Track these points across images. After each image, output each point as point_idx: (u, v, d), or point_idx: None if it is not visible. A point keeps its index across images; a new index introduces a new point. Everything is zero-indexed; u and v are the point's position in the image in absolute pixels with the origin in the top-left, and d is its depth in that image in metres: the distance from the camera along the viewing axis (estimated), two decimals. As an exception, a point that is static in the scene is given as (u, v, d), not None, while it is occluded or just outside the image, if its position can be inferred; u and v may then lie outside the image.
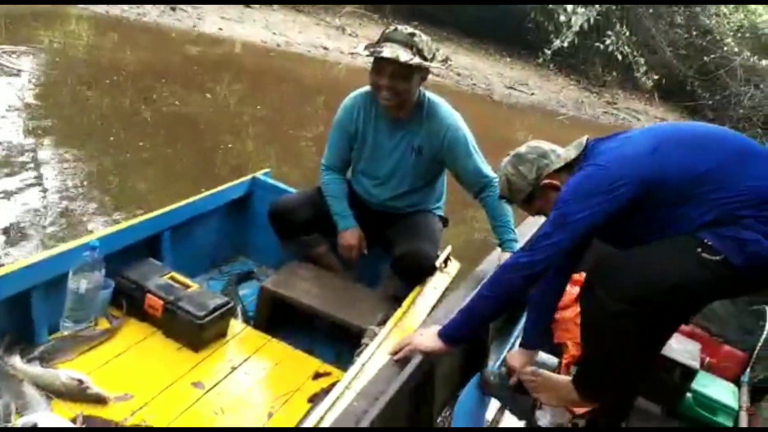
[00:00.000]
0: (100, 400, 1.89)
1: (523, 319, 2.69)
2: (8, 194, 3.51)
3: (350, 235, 2.56)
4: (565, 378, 1.99)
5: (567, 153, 1.83)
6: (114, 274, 2.26)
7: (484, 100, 9.92)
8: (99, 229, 3.31)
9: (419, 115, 2.46)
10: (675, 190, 1.61)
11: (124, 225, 2.38)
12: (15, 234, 3.19)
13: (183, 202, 2.64)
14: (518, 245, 2.41)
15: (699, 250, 1.57)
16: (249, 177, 3.05)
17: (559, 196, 1.72)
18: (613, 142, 1.75)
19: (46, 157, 4.08)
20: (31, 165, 3.92)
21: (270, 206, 2.66)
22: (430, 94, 2.51)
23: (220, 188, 2.88)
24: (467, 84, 10.28)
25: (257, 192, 3.02)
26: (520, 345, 2.10)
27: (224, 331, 2.32)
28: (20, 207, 3.43)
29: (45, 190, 3.68)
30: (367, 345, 2.05)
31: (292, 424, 1.96)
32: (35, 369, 1.91)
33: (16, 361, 1.91)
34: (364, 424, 1.53)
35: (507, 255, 2.37)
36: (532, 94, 10.96)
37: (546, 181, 1.83)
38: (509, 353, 2.11)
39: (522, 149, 1.90)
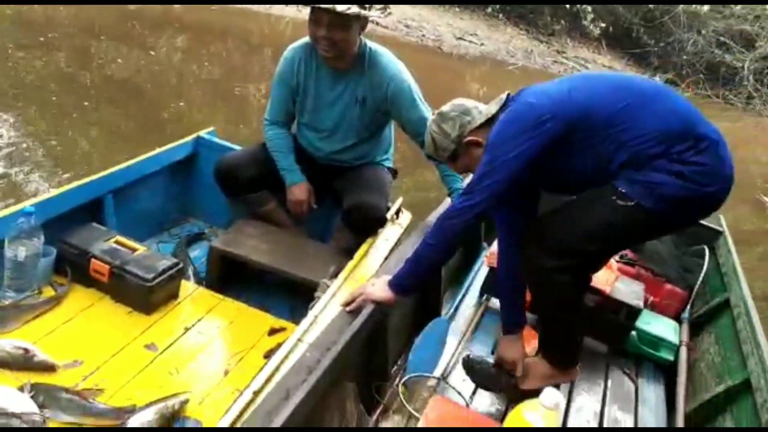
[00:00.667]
0: (47, 368, 1.85)
1: (480, 274, 2.75)
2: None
3: (298, 189, 2.54)
4: (533, 358, 2.01)
5: (488, 109, 1.85)
6: (56, 241, 2.19)
7: (435, 51, 9.86)
8: (41, 194, 3.20)
9: (361, 65, 2.42)
10: (592, 129, 1.67)
11: (63, 189, 2.30)
12: None
13: (124, 165, 2.56)
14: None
15: (614, 197, 1.67)
16: (193, 136, 2.98)
17: (489, 139, 1.74)
18: (534, 87, 1.79)
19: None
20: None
21: (215, 165, 2.60)
22: (372, 44, 2.47)
23: (163, 149, 2.80)
24: (416, 36, 10.18)
25: (202, 152, 2.95)
26: (505, 333, 2.05)
27: (175, 293, 2.29)
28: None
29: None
30: (319, 298, 2.06)
31: (247, 380, 1.95)
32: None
33: (-44, 333, 1.86)
34: (317, 374, 1.54)
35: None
36: (482, 44, 10.94)
37: (469, 138, 1.84)
38: (501, 348, 2.05)
39: (445, 108, 1.90)
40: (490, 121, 1.82)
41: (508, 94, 1.85)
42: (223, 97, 5.59)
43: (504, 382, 2.03)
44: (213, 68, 6.08)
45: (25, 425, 1.59)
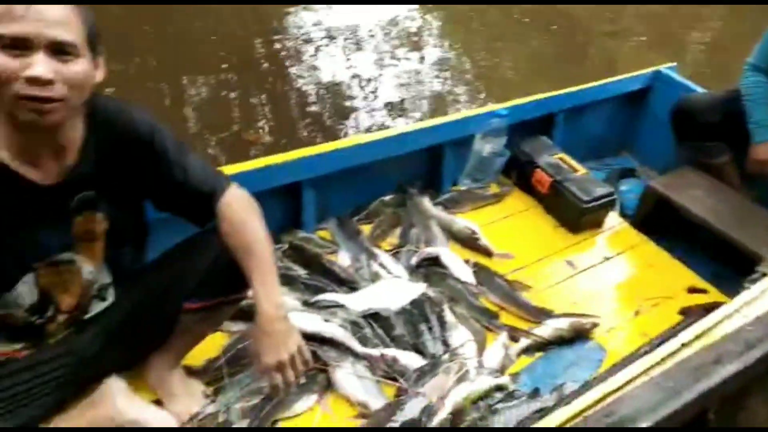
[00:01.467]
0: (486, 252, 2.12)
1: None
2: (390, 77, 3.88)
3: (765, 149, 2.26)
4: None
5: None
6: (510, 145, 2.41)
7: None
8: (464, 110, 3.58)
9: None
10: None
11: (525, 100, 2.48)
12: (396, 108, 3.61)
13: (577, 87, 2.63)
14: None
15: None
16: (651, 69, 2.87)
17: None
18: None
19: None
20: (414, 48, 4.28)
21: (675, 104, 2.47)
22: None
23: (617, 78, 2.78)
24: None
25: (658, 87, 2.82)
26: None
27: (601, 221, 2.34)
28: (399, 85, 3.81)
29: (418, 72, 4.01)
30: (765, 274, 1.86)
31: (659, 330, 1.93)
32: (439, 212, 2.21)
33: (425, 201, 2.23)
34: (756, 353, 1.42)
35: None
36: None
37: None
38: None
39: None
40: None
41: None
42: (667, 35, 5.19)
43: None
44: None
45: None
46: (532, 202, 2.39)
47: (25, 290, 1.28)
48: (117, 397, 1.45)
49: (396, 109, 3.57)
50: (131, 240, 1.41)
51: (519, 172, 2.42)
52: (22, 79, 1.04)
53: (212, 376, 1.61)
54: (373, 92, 3.68)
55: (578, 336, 1.89)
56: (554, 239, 2.26)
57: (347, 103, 3.56)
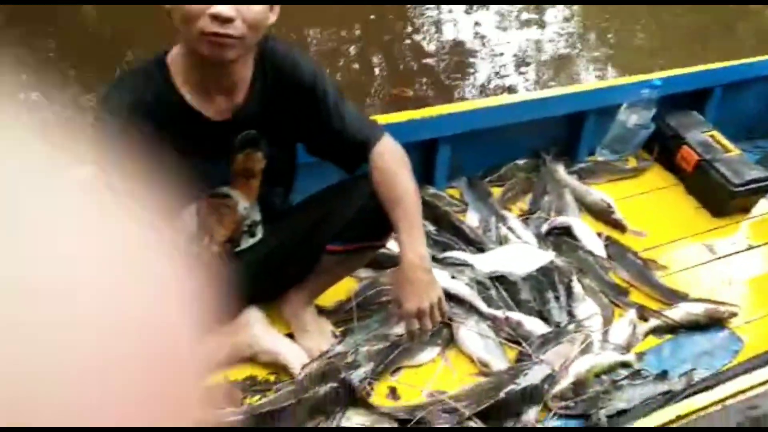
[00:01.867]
0: (619, 227, 2.04)
1: None
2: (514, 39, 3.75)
3: None
4: None
5: None
6: (654, 118, 2.28)
7: None
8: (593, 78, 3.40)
9: None
10: None
11: (681, 71, 2.33)
12: (520, 61, 3.48)
13: (739, 61, 2.43)
14: None
15: None
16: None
17: None
18: None
19: None
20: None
21: None
22: None
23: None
24: None
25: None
26: None
27: (750, 207, 2.18)
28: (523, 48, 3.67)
29: (541, 35, 3.83)
30: None
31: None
32: (574, 181, 2.15)
33: (561, 169, 2.18)
34: None
35: None
36: None
37: None
38: None
39: None
40: None
41: None
42: None
43: None
44: None
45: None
46: (673, 180, 2.26)
47: (187, 218, 1.39)
48: (255, 326, 1.56)
49: (520, 70, 3.47)
50: (283, 181, 1.49)
51: (662, 147, 2.29)
52: (206, 16, 1.11)
53: (341, 317, 1.68)
54: (496, 54, 3.59)
55: (713, 323, 1.80)
56: (694, 221, 2.14)
57: (469, 61, 3.50)
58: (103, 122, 1.22)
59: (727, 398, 1.20)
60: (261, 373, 1.55)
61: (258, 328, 1.56)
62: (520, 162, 2.18)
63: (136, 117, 1.18)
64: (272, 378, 1.54)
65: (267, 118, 1.32)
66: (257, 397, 1.49)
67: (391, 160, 1.34)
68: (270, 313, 1.61)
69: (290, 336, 1.61)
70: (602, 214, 2.06)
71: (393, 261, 1.57)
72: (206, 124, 1.28)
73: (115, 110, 1.20)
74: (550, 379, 1.51)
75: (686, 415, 1.20)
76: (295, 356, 1.54)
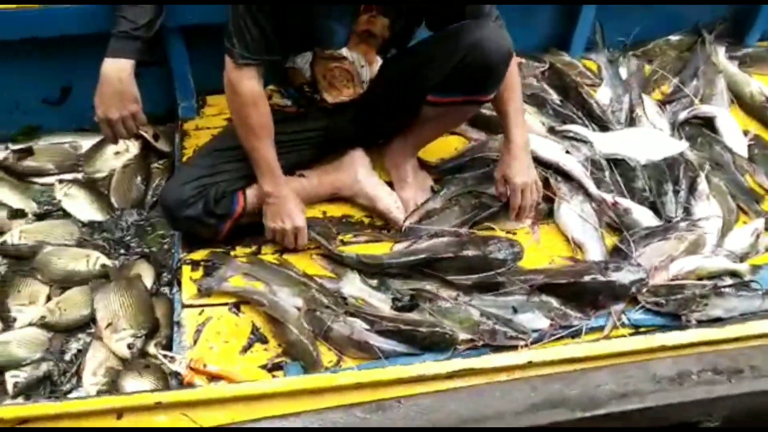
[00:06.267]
0: None
1: None
2: None
3: None
4: None
5: None
6: None
7: None
8: None
9: None
10: None
11: None
12: None
13: None
14: None
15: None
16: None
17: None
18: None
19: None
20: None
21: None
22: None
23: None
24: None
25: None
26: None
27: None
28: None
29: None
30: None
31: None
32: (734, 68, 1.91)
33: (721, 52, 1.93)
34: None
35: None
36: None
37: None
38: None
39: None
40: None
41: None
42: None
43: None
44: None
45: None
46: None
47: (301, 63, 1.42)
48: (359, 168, 1.61)
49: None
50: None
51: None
52: None
53: (441, 174, 1.67)
54: None
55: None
56: None
57: None
58: None
59: None
60: (357, 215, 1.61)
61: (362, 171, 1.61)
62: (674, 38, 1.94)
63: None
64: (367, 221, 1.60)
65: None
66: (350, 234, 1.55)
67: (509, 43, 1.38)
68: (372, 159, 1.63)
69: (389, 185, 1.63)
70: (757, 109, 1.82)
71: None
72: None
73: None
74: (638, 284, 1.43)
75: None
76: (393, 205, 1.58)
